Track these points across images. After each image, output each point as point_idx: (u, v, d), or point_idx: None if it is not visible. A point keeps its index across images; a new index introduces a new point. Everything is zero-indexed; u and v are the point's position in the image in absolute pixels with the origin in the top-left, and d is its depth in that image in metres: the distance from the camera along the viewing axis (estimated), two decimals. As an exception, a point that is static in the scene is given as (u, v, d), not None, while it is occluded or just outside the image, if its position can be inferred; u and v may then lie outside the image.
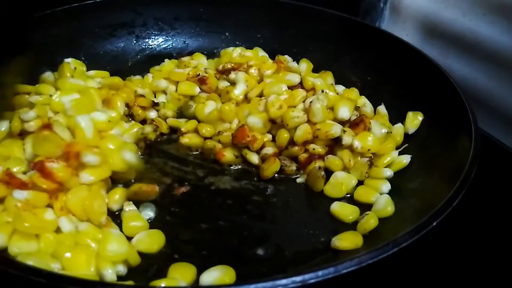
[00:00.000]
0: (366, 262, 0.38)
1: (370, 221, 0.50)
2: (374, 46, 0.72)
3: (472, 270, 0.52)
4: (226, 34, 0.80)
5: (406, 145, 0.60)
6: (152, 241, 0.48)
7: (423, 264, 0.52)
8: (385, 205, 0.52)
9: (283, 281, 0.35)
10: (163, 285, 0.43)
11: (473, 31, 0.74)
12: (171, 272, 0.45)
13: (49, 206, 0.48)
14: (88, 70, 0.70)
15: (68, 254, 0.43)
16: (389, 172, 0.57)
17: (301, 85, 0.66)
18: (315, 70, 0.73)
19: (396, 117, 0.64)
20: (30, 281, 0.35)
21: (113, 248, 0.44)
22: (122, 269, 0.45)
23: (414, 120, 0.62)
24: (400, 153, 0.59)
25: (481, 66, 0.73)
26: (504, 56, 0.70)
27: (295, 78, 0.65)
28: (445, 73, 0.61)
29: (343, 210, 0.53)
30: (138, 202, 0.52)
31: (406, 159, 0.58)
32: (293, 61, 0.71)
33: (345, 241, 0.48)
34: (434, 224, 0.41)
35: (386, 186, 0.55)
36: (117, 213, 0.51)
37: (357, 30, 0.74)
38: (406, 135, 0.62)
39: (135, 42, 0.78)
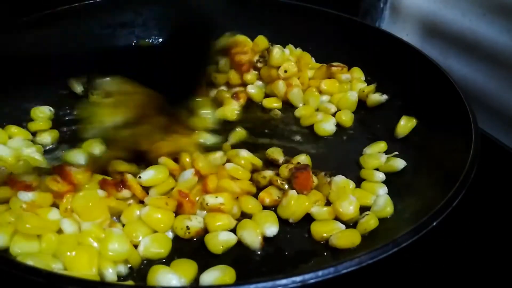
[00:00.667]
0: (366, 262, 0.38)
1: (370, 222, 0.50)
2: (374, 46, 0.72)
3: (472, 270, 0.52)
4: (226, 34, 0.80)
5: (396, 153, 0.59)
6: (160, 246, 0.47)
7: (423, 264, 0.52)
8: (384, 205, 0.52)
9: (283, 281, 0.35)
10: (163, 279, 0.43)
11: (473, 31, 0.74)
12: (172, 268, 0.45)
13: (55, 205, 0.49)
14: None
15: (70, 254, 0.43)
16: (381, 175, 0.57)
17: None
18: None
19: (396, 117, 0.64)
20: (30, 281, 0.35)
21: (115, 248, 0.44)
22: (123, 269, 0.45)
23: (407, 124, 0.62)
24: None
25: (481, 66, 0.73)
26: (504, 56, 0.70)
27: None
28: (445, 73, 0.61)
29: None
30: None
31: (401, 163, 0.57)
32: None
33: (343, 239, 0.48)
34: (434, 224, 0.41)
35: (383, 189, 0.55)
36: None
37: (357, 30, 0.74)
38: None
39: (135, 42, 0.78)
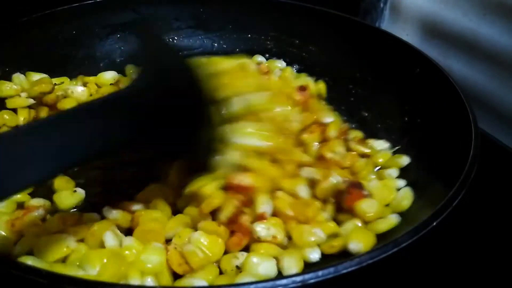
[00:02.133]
0: (366, 262, 0.38)
1: (390, 221, 0.49)
2: (374, 46, 0.72)
3: (472, 270, 0.52)
4: (227, 34, 0.80)
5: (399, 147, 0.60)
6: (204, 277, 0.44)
7: (423, 264, 0.52)
8: (402, 198, 0.52)
9: (283, 281, 0.35)
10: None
11: (473, 31, 0.74)
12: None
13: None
14: (87, 70, 0.70)
15: (99, 263, 0.42)
16: (402, 183, 0.55)
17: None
18: (315, 70, 0.73)
19: (397, 117, 0.64)
20: (30, 281, 0.35)
21: (147, 257, 0.43)
22: (150, 281, 0.43)
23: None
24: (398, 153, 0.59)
25: (481, 66, 0.73)
26: (504, 56, 0.70)
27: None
28: (445, 73, 0.61)
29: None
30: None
31: (405, 160, 0.58)
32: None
33: (365, 245, 0.46)
34: (434, 224, 0.41)
35: (402, 182, 0.55)
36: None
37: (357, 30, 0.74)
38: (404, 134, 0.62)
39: (135, 42, 0.78)
